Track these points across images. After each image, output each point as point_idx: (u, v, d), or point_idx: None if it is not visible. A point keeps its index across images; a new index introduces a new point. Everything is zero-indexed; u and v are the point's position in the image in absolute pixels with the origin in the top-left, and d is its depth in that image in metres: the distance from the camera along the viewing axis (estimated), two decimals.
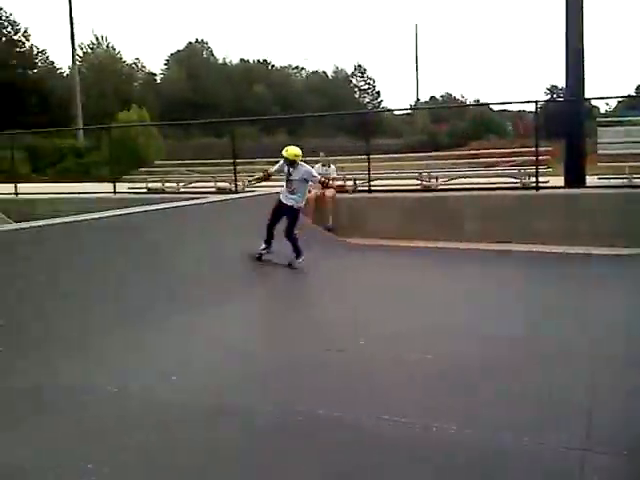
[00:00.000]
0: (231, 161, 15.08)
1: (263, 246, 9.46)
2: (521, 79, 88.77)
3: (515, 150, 14.85)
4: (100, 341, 5.86)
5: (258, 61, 62.66)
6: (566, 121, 13.36)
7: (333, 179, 13.31)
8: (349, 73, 65.67)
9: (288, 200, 9.47)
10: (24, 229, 7.13)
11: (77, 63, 39.88)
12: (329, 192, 12.93)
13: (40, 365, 5.26)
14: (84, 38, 56.03)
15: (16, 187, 16.91)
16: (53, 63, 53.22)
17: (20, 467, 3.70)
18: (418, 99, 52.39)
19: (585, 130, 13.54)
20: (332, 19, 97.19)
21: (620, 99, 46.17)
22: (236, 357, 5.66)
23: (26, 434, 4.12)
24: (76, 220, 7.75)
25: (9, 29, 49.24)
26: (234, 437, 4.07)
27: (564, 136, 13.19)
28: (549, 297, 7.70)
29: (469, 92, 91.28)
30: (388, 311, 7.20)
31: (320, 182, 9.99)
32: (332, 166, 13.53)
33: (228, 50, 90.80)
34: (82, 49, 52.67)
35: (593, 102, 43.51)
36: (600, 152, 12.85)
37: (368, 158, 13.71)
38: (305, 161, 16.18)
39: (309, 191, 13.37)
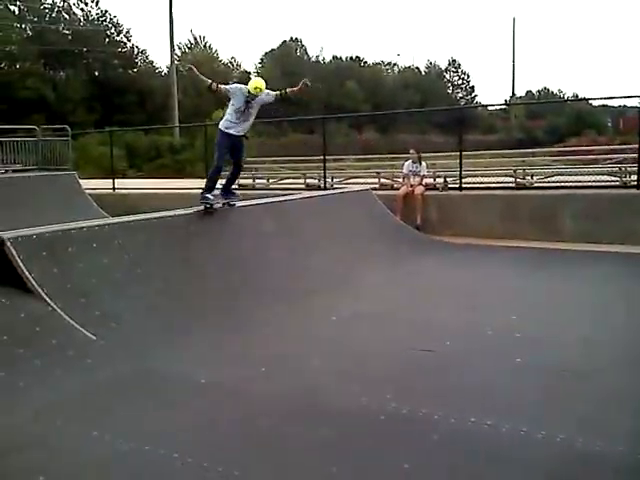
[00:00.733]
0: (320, 157, 15.11)
1: (211, 197, 8.49)
2: (624, 72, 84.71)
3: (616, 147, 14.17)
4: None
5: (350, 58, 62.64)
6: None
7: (423, 176, 13.16)
8: (443, 68, 64.72)
9: (240, 131, 8.45)
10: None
11: (175, 62, 41.02)
12: (418, 189, 12.77)
13: (140, 354, 5.46)
14: (182, 38, 57.80)
15: (114, 182, 17.62)
16: (152, 63, 55.04)
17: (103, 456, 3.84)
18: (514, 94, 50.87)
19: None
20: (426, 13, 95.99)
21: None
22: (326, 353, 5.69)
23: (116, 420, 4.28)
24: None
25: (112, 30, 51.31)
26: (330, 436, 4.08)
27: None
28: None
29: (567, 86, 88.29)
30: (478, 312, 7.00)
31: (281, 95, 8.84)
32: (423, 163, 13.34)
33: (321, 47, 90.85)
34: (180, 49, 54.32)
35: None
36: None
37: (460, 155, 13.43)
38: (395, 158, 16.14)
39: (398, 188, 13.36)
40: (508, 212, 11.97)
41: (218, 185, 8.81)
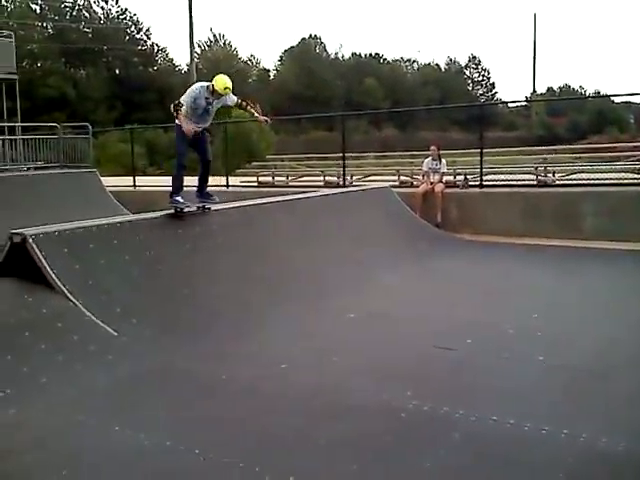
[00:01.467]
0: (339, 155, 15.08)
1: (180, 199, 7.68)
2: None
3: (634, 144, 13.99)
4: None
5: (370, 55, 62.58)
6: None
7: (443, 174, 13.09)
8: (463, 65, 64.38)
9: (200, 127, 7.86)
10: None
11: (195, 60, 41.19)
12: (438, 187, 12.70)
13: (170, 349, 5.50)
14: (202, 36, 58.05)
15: (134, 180, 17.73)
16: (172, 60, 55.40)
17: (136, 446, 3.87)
18: (534, 91, 50.42)
19: None
20: (446, 9, 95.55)
21: None
22: (345, 350, 5.68)
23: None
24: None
25: (132, 28, 51.66)
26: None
27: None
28: None
29: (589, 83, 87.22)
30: (499, 311, 6.96)
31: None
32: (443, 160, 13.25)
33: (341, 44, 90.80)
34: (200, 46, 54.57)
35: None
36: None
37: (481, 152, 13.30)
38: (414, 155, 16.06)
39: (417, 186, 13.30)
40: (529, 210, 11.86)
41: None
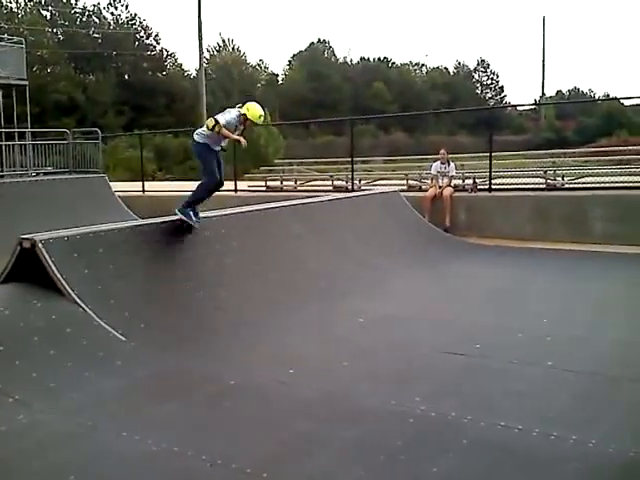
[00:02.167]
0: (347, 159, 15.08)
1: (193, 216, 7.38)
2: None
3: None
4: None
5: (378, 59, 62.62)
6: None
7: (452, 177, 13.07)
8: (471, 68, 64.29)
9: (223, 147, 7.66)
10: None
11: (204, 65, 41.34)
12: (447, 191, 12.69)
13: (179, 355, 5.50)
14: (211, 41, 58.28)
15: (143, 185, 17.78)
16: (181, 65, 55.61)
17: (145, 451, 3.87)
18: (543, 94, 50.36)
19: None
20: (455, 13, 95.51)
21: None
22: (354, 354, 5.68)
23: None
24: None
25: (142, 34, 51.91)
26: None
27: None
28: None
29: (598, 86, 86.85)
30: (508, 315, 6.94)
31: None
32: (451, 164, 13.24)
33: (349, 49, 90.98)
34: (209, 51, 54.78)
35: None
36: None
37: (490, 156, 13.30)
38: (423, 159, 16.02)
39: (426, 190, 13.29)
40: (538, 213, 11.85)
41: None
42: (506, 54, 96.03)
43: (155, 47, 52.76)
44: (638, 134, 34.54)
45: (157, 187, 18.11)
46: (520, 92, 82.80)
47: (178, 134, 35.28)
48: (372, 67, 60.51)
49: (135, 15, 51.68)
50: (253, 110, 7.45)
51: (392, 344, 6.05)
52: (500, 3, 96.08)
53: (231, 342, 5.95)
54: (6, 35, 25.02)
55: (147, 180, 18.71)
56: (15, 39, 23.11)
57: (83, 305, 5.74)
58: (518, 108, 51.31)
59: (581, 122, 43.28)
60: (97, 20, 50.31)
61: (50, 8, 48.12)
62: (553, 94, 57.45)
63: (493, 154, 13.59)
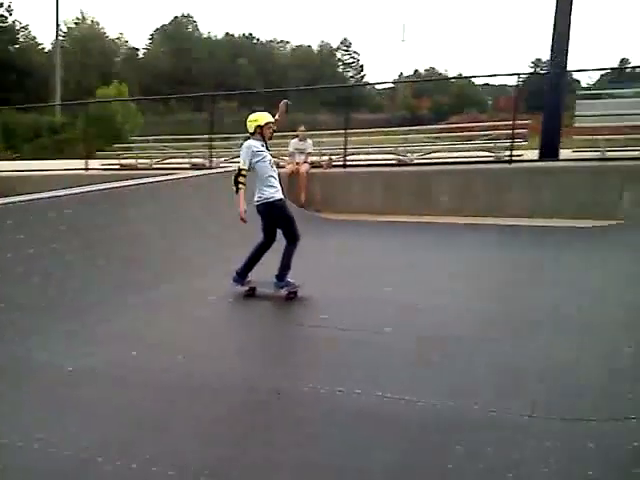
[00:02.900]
0: (206, 136, 14.89)
1: (248, 277, 6.87)
2: (507, 52, 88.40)
3: (492, 124, 14.79)
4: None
5: (243, 35, 62.04)
6: (546, 94, 13.28)
7: (309, 154, 13.24)
8: (334, 47, 65.11)
9: (277, 192, 6.71)
10: None
11: (60, 38, 39.21)
12: (303, 167, 12.85)
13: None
14: (68, 13, 55.28)
15: None
16: (35, 39, 52.43)
17: None
18: (401, 73, 52.05)
19: (563, 103, 13.47)
20: None
21: (603, 72, 46.43)
22: (206, 335, 5.66)
23: None
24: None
25: None
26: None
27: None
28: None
29: (453, 66, 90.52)
30: (354, 287, 7.16)
31: None
32: (309, 140, 13.40)
33: (213, 24, 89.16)
34: (66, 25, 51.93)
35: (575, 76, 43.85)
36: (576, 125, 12.84)
37: (345, 133, 13.60)
38: (284, 136, 16.10)
39: (284, 166, 13.37)
40: (389, 188, 12.28)
41: None
42: (367, 33, 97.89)
43: (7, 19, 49.35)
44: (487, 112, 36.64)
45: (3, 167, 16.98)
46: (380, 71, 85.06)
47: (30, 110, 33.38)
48: (237, 43, 59.88)
49: None
50: (258, 119, 6.84)
51: (246, 321, 6.11)
52: None
53: (74, 326, 5.72)
54: None
55: None
56: None
57: None
58: (377, 87, 52.70)
59: (436, 100, 45.14)
60: None
61: None
62: (410, 73, 59.42)
63: (350, 131, 13.91)
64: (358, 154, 14.05)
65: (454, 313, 6.01)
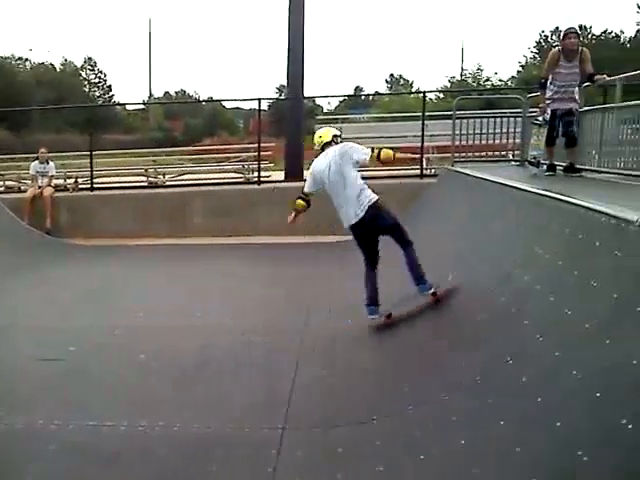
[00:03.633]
0: None
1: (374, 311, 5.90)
2: (257, 77, 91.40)
3: (241, 146, 15.25)
4: None
5: None
6: (287, 119, 14.00)
7: (52, 177, 12.56)
8: (79, 66, 62.32)
9: (359, 208, 5.96)
10: None
11: None
12: (47, 191, 12.15)
13: None
14: None
15: None
16: None
17: None
18: (151, 94, 51.25)
19: (304, 127, 14.30)
20: (61, 8, 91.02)
21: (341, 99, 50.17)
22: None
23: None
24: None
25: None
26: None
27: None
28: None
29: (204, 89, 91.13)
30: (107, 314, 6.91)
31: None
32: (51, 163, 12.69)
33: None
34: None
35: (318, 102, 46.83)
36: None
37: (90, 154, 13.13)
38: (26, 159, 15.04)
39: (25, 190, 12.51)
40: (141, 211, 12.04)
41: None
42: (113, 54, 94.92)
43: None
44: (238, 134, 37.60)
45: None
46: (129, 92, 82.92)
47: None
48: None
49: None
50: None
51: None
52: (106, 1, 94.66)
53: None
54: None
55: None
56: None
57: None
58: (127, 107, 51.44)
59: (188, 122, 45.23)
60: None
61: None
62: (161, 95, 58.85)
63: (99, 153, 13.45)
64: (108, 176, 13.63)
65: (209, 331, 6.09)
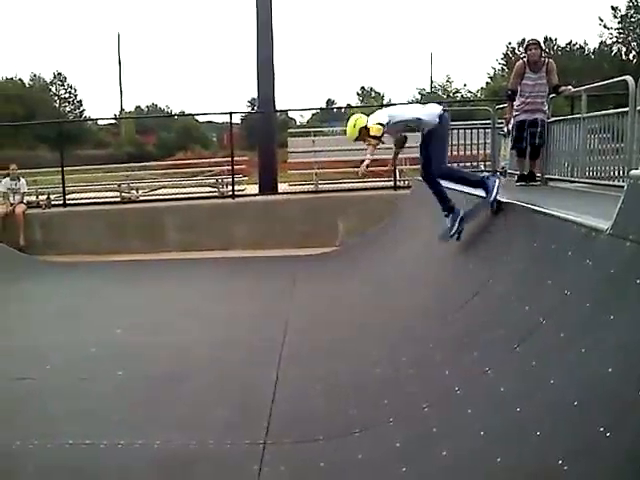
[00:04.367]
0: None
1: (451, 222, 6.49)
2: (229, 91, 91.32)
3: (214, 160, 15.23)
4: None
5: None
6: (259, 132, 14.05)
7: (24, 194, 12.47)
8: (48, 81, 61.83)
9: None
10: None
11: None
12: (19, 208, 12.06)
13: None
14: None
15: None
16: None
17: None
18: (122, 109, 50.90)
19: (276, 140, 14.35)
20: (29, 23, 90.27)
21: (314, 112, 50.33)
22: None
23: None
24: None
25: None
26: None
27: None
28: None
29: (175, 103, 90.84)
30: (82, 331, 6.86)
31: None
32: (22, 180, 12.59)
33: None
34: None
35: (290, 114, 46.97)
36: (290, 160, 13.75)
37: (62, 170, 13.03)
38: None
39: None
40: (114, 227, 11.98)
41: None
42: (83, 69, 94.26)
43: None
44: (211, 148, 37.50)
45: None
46: (100, 106, 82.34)
47: None
48: None
49: None
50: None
51: None
52: (75, 16, 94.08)
53: None
54: None
55: None
56: None
57: None
58: (99, 122, 51.11)
59: (161, 136, 45.00)
60: None
61: None
62: (132, 109, 58.55)
63: (71, 168, 13.36)
64: (80, 192, 13.54)
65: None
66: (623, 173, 6.67)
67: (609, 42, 47.03)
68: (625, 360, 3.01)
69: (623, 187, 3.91)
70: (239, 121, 40.99)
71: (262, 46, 13.57)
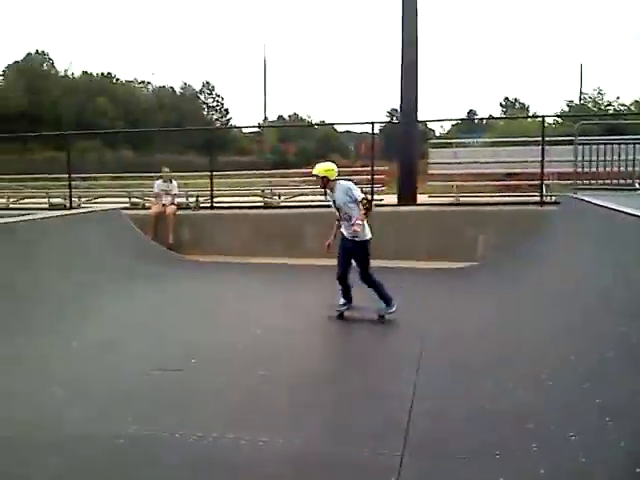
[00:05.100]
0: (66, 176, 14.37)
1: (342, 301, 7.70)
2: (367, 101, 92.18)
3: (354, 169, 15.33)
4: None
5: (102, 74, 60.53)
6: (400, 143, 14.00)
7: (175, 195, 13.15)
8: (197, 90, 65.16)
9: (348, 233, 7.54)
10: None
11: None
12: (170, 209, 12.74)
13: None
14: None
15: None
16: None
17: None
18: (266, 118, 52.71)
19: (418, 151, 14.24)
20: (180, 34, 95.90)
21: (454, 122, 49.69)
22: (67, 381, 5.39)
23: None
24: None
25: None
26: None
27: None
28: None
29: (316, 113, 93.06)
30: (228, 329, 7.13)
31: (361, 201, 7.33)
32: (173, 182, 13.31)
33: (70, 62, 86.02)
34: None
35: (429, 125, 46.67)
36: (430, 172, 13.60)
37: (211, 174, 13.66)
38: (150, 177, 15.87)
39: (149, 207, 13.18)
40: (257, 230, 12.39)
41: None
42: (231, 78, 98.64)
43: None
44: (349, 157, 37.93)
45: None
46: (245, 115, 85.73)
47: None
48: (95, 82, 58.30)
49: None
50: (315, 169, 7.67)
51: (106, 365, 5.87)
52: (225, 27, 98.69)
53: None
54: None
55: None
56: None
57: None
58: (243, 130, 53.21)
59: (301, 145, 46.20)
60: None
61: None
62: (275, 118, 60.53)
63: (219, 173, 13.97)
64: (226, 196, 14.13)
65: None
66: None
67: None
68: None
69: None
70: (377, 131, 41.17)
71: (406, 49, 13.40)
